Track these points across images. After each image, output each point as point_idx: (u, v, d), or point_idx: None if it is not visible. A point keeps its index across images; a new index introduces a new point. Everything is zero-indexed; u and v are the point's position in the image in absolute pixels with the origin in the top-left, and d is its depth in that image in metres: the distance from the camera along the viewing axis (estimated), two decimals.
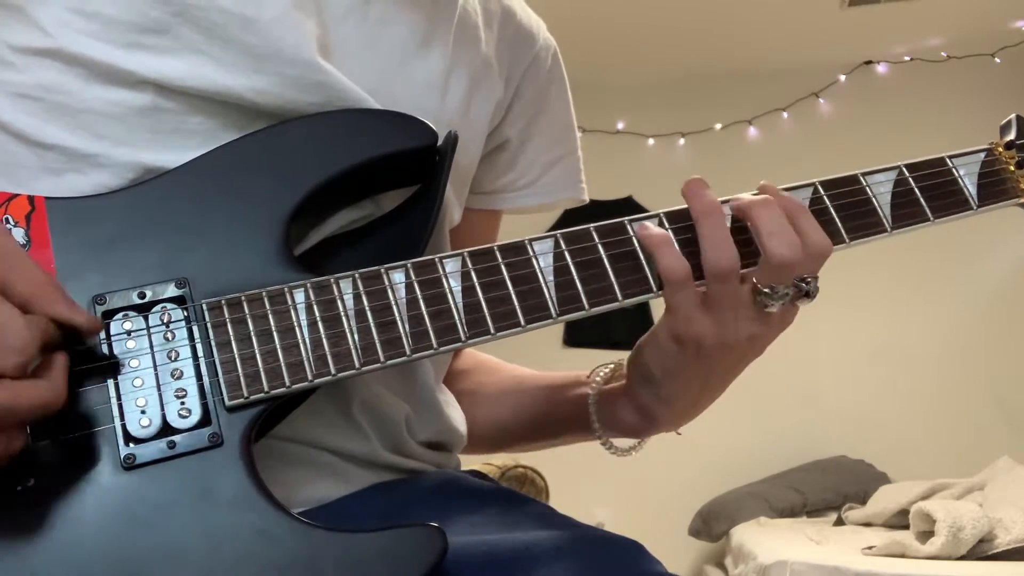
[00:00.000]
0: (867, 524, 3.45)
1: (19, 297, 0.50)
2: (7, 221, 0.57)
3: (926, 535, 2.68)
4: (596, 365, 0.79)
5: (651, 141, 4.54)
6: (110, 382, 0.55)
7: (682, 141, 4.52)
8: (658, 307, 0.63)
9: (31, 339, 0.48)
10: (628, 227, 0.66)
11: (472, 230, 0.84)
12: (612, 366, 0.77)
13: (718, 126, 4.49)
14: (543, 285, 0.63)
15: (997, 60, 4.34)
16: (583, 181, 0.91)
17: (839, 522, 3.60)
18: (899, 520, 3.19)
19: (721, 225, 0.64)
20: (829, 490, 3.84)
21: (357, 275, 0.60)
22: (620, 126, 4.51)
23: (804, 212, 0.65)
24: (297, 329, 0.58)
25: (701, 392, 0.71)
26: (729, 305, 0.64)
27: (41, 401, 0.48)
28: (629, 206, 4.10)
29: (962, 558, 2.59)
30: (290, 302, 0.59)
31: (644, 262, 0.65)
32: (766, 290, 0.63)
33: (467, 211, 0.84)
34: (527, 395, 0.85)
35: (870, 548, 2.84)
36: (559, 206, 0.91)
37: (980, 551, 2.61)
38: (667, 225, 0.66)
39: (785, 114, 4.49)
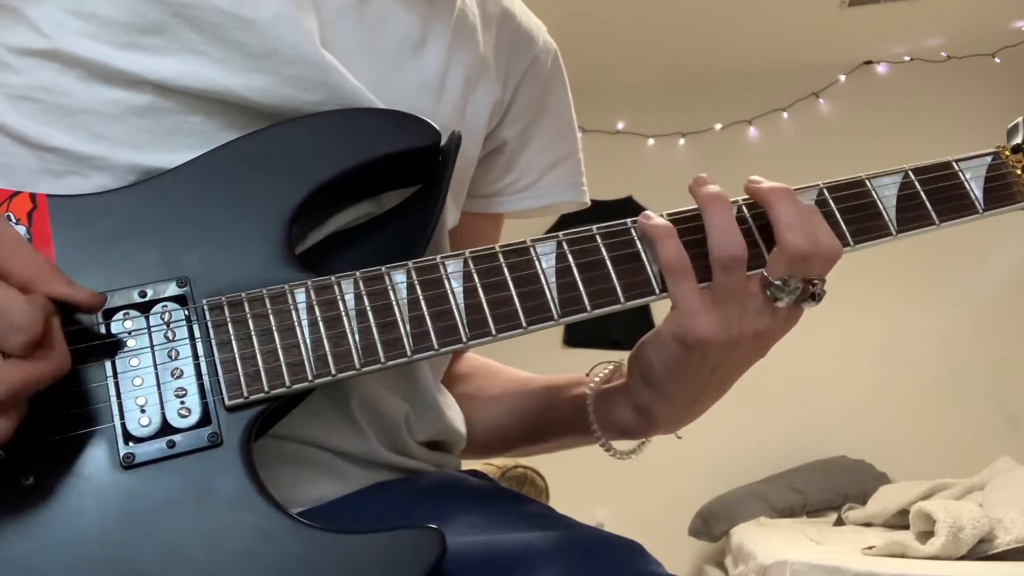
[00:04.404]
0: (867, 524, 3.44)
1: (18, 280, 0.51)
2: (9, 218, 0.57)
3: (926, 535, 2.67)
4: (595, 364, 0.78)
5: (651, 141, 4.54)
6: (110, 381, 0.55)
7: (682, 141, 4.51)
8: (658, 308, 0.62)
9: (35, 317, 0.49)
10: (631, 229, 0.66)
11: (473, 234, 0.83)
12: (612, 366, 0.76)
13: (718, 126, 4.49)
14: (545, 286, 0.62)
15: (997, 60, 4.34)
16: (584, 184, 0.90)
17: (839, 522, 3.60)
18: (899, 520, 3.19)
19: (727, 212, 0.64)
20: (829, 490, 3.84)
21: (358, 275, 0.60)
22: (620, 126, 4.51)
23: (816, 213, 0.66)
24: (298, 329, 0.58)
25: (702, 392, 0.70)
26: (736, 299, 0.64)
27: (51, 372, 0.50)
28: (629, 206, 4.10)
29: (962, 558, 2.58)
30: (291, 302, 0.59)
31: (647, 263, 0.65)
32: (777, 283, 0.63)
33: (467, 215, 0.83)
34: (527, 397, 0.84)
35: (870, 548, 2.83)
36: (559, 209, 0.90)
37: (980, 551, 2.61)
38: None
39: (785, 114, 4.49)
